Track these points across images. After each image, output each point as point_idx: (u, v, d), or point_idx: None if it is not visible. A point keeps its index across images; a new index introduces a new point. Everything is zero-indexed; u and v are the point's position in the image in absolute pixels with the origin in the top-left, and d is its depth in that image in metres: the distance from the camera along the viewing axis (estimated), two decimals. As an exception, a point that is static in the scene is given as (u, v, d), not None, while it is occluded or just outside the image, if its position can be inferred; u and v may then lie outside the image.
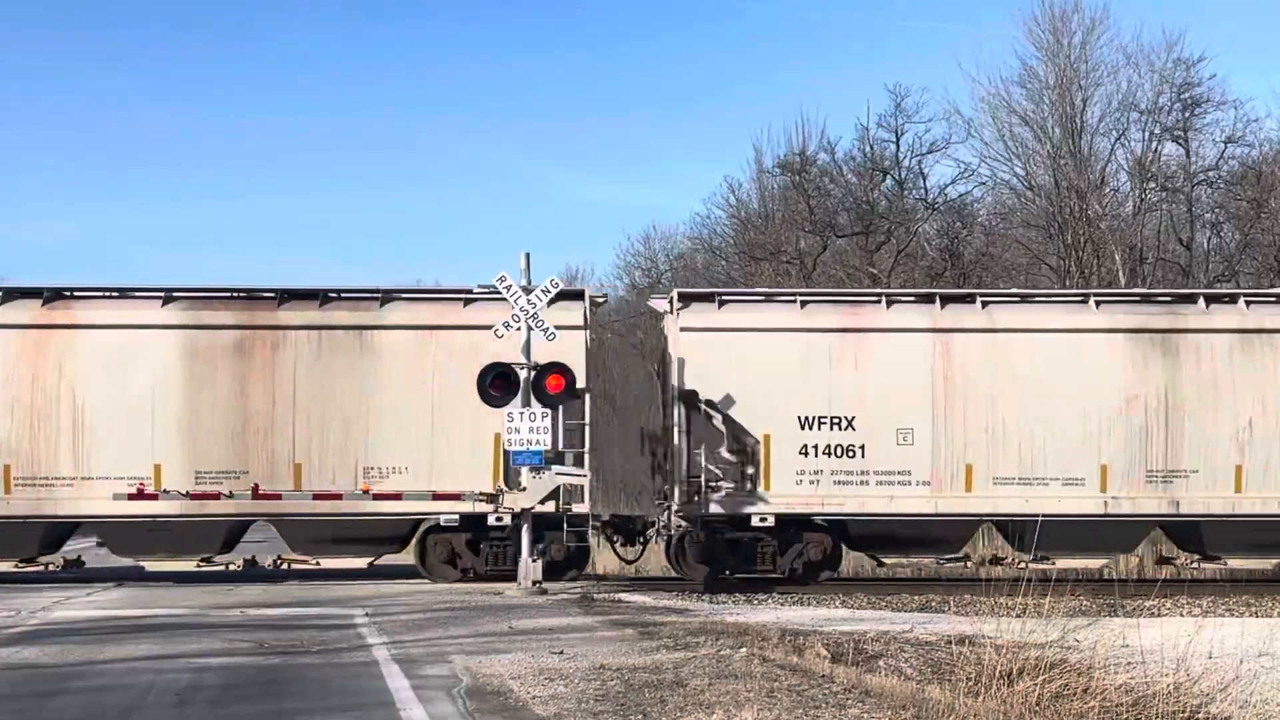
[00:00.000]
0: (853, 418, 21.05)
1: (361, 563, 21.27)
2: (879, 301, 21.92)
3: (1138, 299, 22.64)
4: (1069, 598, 15.28)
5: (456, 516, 20.76)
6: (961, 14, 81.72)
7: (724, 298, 22.12)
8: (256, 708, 10.42)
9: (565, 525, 20.61)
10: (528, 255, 19.84)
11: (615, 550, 22.32)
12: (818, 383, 20.98)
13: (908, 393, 21.06)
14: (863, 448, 21.02)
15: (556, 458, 20.64)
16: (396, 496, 20.68)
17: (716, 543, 21.20)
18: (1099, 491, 21.02)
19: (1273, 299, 22.41)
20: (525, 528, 19.41)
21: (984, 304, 21.74)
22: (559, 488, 20.10)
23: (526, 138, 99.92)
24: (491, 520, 20.63)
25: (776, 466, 20.95)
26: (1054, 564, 21.28)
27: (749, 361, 21.10)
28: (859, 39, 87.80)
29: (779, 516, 20.93)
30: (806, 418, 21.05)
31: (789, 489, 20.93)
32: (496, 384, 19.34)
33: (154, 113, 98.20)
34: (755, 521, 20.91)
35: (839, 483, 20.94)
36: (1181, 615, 17.52)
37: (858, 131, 43.62)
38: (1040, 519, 20.33)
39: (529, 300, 19.37)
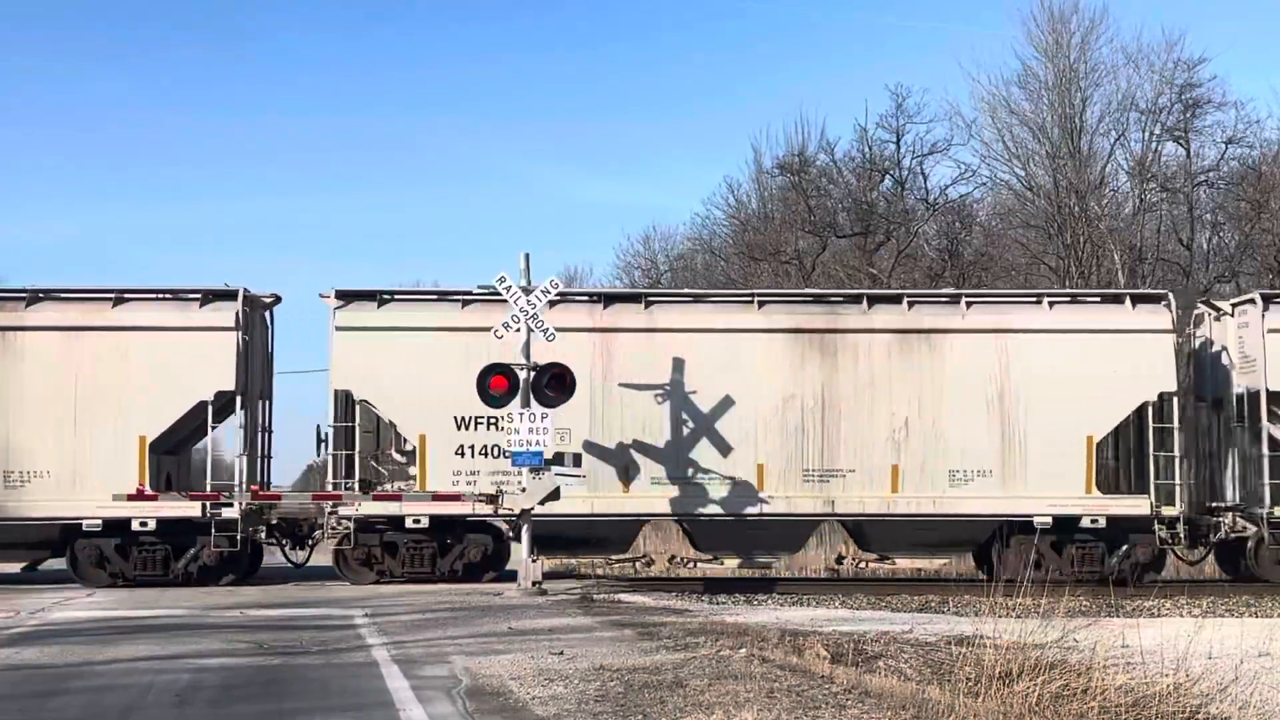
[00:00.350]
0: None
1: (15, 567, 21.23)
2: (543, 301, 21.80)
3: (810, 299, 22.62)
4: (1069, 598, 15.28)
5: (99, 521, 20.57)
6: (961, 14, 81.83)
7: (385, 297, 21.61)
8: (256, 708, 10.42)
9: (214, 529, 20.52)
10: (527, 256, 19.89)
11: (284, 553, 22.00)
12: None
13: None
14: None
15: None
16: (35, 500, 20.44)
17: (377, 544, 20.98)
18: (757, 491, 21.03)
19: (944, 299, 22.45)
20: (525, 528, 19.41)
21: (647, 304, 21.71)
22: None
23: (526, 138, 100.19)
24: (136, 525, 20.59)
25: (433, 467, 20.86)
26: (723, 564, 21.42)
27: (408, 361, 20.95)
28: (859, 39, 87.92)
29: (434, 518, 20.74)
30: (463, 418, 20.90)
31: (445, 490, 20.79)
32: (496, 384, 19.34)
33: (154, 113, 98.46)
34: (409, 523, 20.75)
35: (496, 483, 20.73)
36: (1181, 616, 17.50)
37: (856, 132, 43.68)
38: (698, 518, 20.84)
39: (528, 301, 19.38)
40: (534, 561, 19.39)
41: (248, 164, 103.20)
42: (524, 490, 19.37)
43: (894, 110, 41.58)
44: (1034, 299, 22.52)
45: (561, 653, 12.82)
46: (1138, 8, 71.00)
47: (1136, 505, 21.27)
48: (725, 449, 21.02)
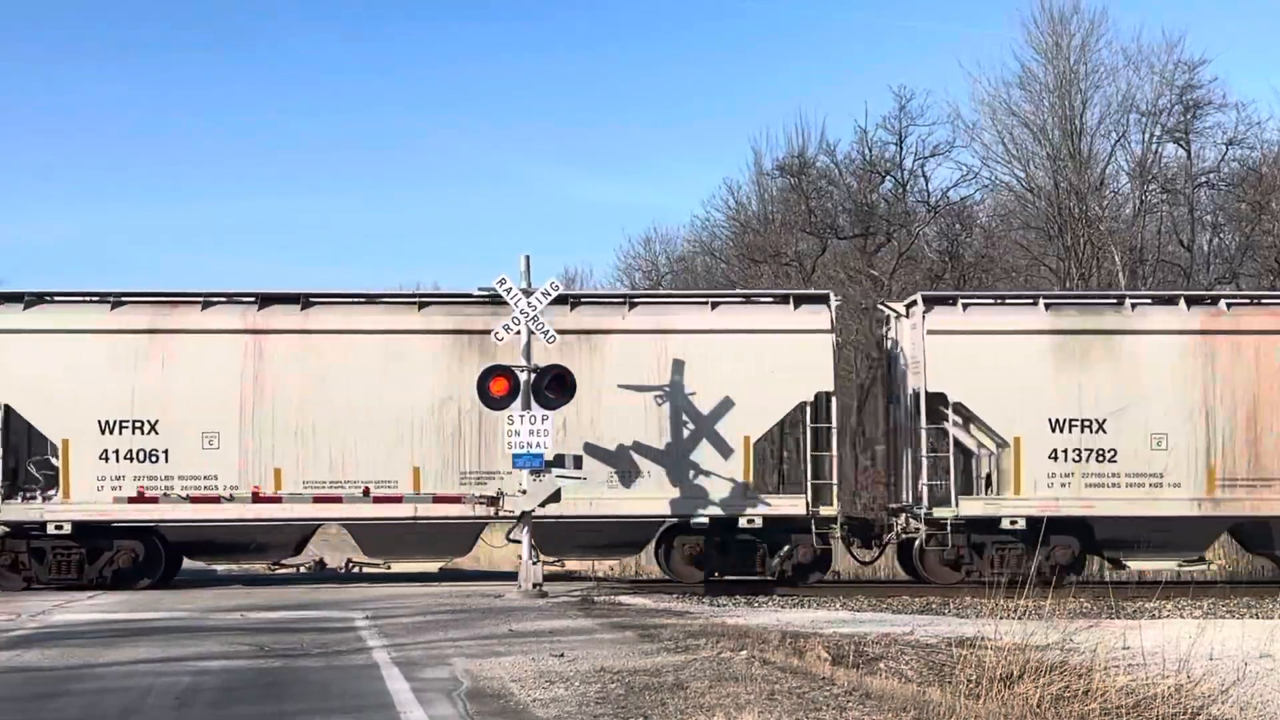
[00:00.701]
0: (156, 421, 20.66)
1: None
2: (195, 303, 21.31)
3: (474, 300, 21.86)
4: (1070, 600, 15.30)
5: None
6: (962, 15, 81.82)
7: (32, 298, 21.12)
8: (256, 709, 10.41)
9: None
10: (528, 258, 19.85)
11: None
12: (122, 385, 20.54)
13: (216, 395, 20.72)
14: (167, 452, 20.65)
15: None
16: None
17: (24, 550, 20.67)
18: (412, 493, 20.88)
19: (611, 300, 22.27)
20: (525, 531, 19.40)
21: (305, 305, 21.39)
22: None
23: (526, 138, 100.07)
24: None
25: (77, 473, 20.56)
26: (389, 568, 21.47)
27: (52, 364, 20.66)
28: (859, 40, 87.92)
29: (78, 524, 20.48)
30: (108, 422, 20.61)
31: (90, 495, 20.53)
32: (497, 387, 19.31)
33: (154, 113, 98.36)
34: (51, 529, 20.54)
35: (142, 488, 20.51)
36: (1182, 617, 17.51)
37: (856, 133, 43.68)
38: (358, 522, 20.68)
39: (529, 303, 19.37)
40: (534, 564, 19.37)
41: (248, 164, 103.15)
42: (524, 492, 19.36)
43: (897, 112, 41.62)
44: (699, 300, 22.43)
45: (562, 655, 12.81)
46: (1137, 9, 71.05)
47: (793, 505, 21.16)
48: (382, 452, 20.82)
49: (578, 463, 20.28)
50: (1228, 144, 39.08)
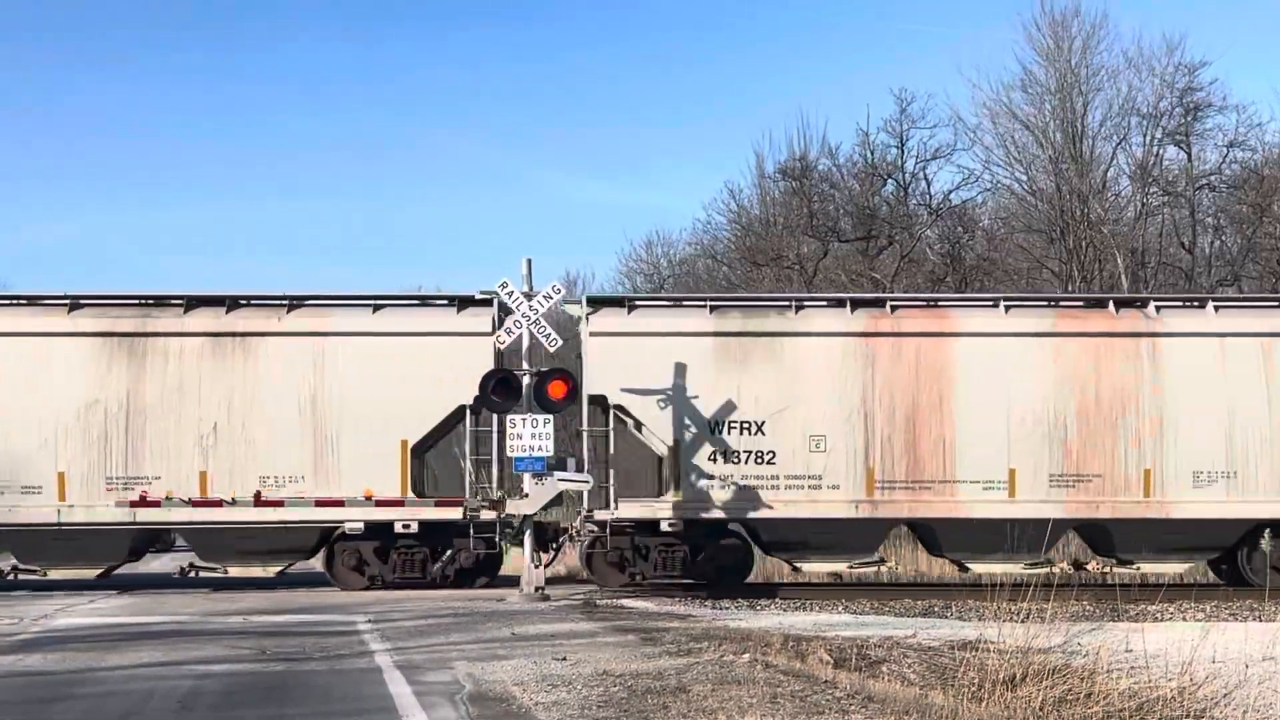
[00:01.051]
0: None
1: None
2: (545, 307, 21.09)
3: (127, 302, 21.82)
4: (1072, 602, 15.28)
5: None
6: (963, 17, 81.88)
7: None
8: (258, 713, 10.40)
9: None
10: (529, 261, 19.85)
11: None
12: None
13: None
14: None
15: None
16: None
17: None
18: (57, 500, 20.74)
19: (267, 301, 21.88)
20: (528, 534, 19.40)
21: None
22: None
23: (527, 140, 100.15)
24: None
25: None
26: (46, 574, 21.33)
27: None
28: (860, 42, 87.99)
29: None
30: None
31: None
32: (498, 390, 19.32)
33: (155, 115, 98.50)
34: None
35: None
36: (1185, 620, 17.52)
37: (858, 136, 43.73)
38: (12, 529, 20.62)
39: (530, 306, 19.38)
40: (536, 567, 19.38)
41: (248, 166, 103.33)
42: (525, 495, 19.37)
43: (898, 115, 41.67)
44: (360, 302, 21.89)
45: (565, 658, 12.81)
46: (1138, 12, 71.06)
47: (451, 510, 20.87)
48: (26, 458, 20.70)
49: (579, 466, 20.30)
50: (1229, 146, 39.18)
